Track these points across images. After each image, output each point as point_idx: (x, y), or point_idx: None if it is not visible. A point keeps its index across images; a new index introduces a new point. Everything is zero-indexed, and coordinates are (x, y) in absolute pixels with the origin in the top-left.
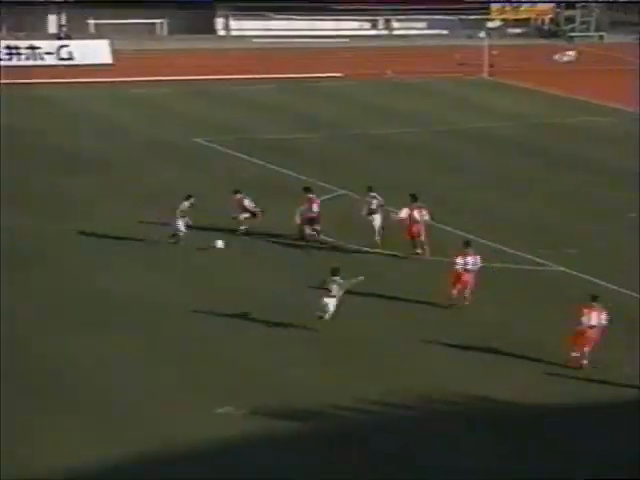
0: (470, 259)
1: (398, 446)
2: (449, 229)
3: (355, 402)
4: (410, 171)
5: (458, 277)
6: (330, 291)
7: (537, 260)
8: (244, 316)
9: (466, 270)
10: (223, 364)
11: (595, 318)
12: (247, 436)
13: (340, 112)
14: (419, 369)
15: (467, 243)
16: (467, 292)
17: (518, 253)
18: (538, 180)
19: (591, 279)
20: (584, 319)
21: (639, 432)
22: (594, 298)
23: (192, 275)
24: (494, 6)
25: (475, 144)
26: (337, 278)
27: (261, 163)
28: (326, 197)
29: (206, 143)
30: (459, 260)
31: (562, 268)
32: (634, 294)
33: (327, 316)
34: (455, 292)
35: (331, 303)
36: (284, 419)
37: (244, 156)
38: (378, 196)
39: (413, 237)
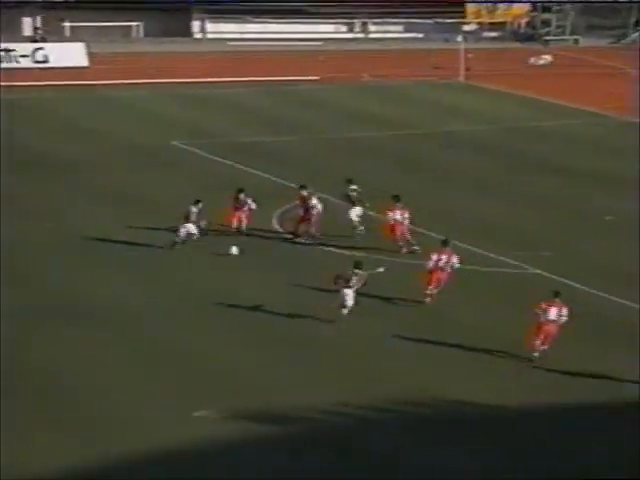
0: (444, 257)
1: (384, 448)
2: (424, 232)
3: (340, 404)
4: (386, 174)
5: (431, 276)
6: (349, 282)
7: (513, 263)
8: (230, 317)
9: (438, 268)
10: (209, 366)
11: (554, 313)
12: (233, 438)
13: (316, 115)
14: (404, 371)
15: (445, 242)
16: (434, 290)
17: (494, 256)
18: (514, 183)
19: (567, 282)
20: (540, 312)
21: (615, 433)
22: (556, 294)
23: (177, 277)
24: (470, 9)
25: (451, 147)
26: (359, 271)
27: (238, 166)
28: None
29: (183, 146)
30: (433, 257)
31: (538, 271)
32: (610, 296)
33: (345, 311)
34: (432, 288)
35: (349, 295)
36: (269, 421)
37: (221, 159)
38: (358, 188)
39: (395, 237)
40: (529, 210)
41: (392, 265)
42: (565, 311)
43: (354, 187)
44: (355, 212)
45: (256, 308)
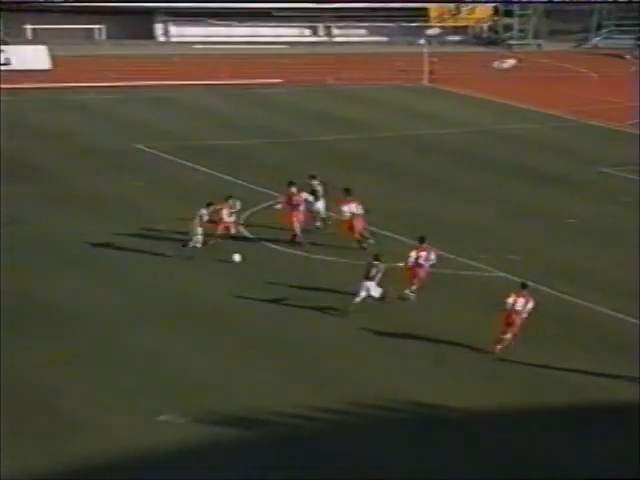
0: (423, 254)
1: (355, 450)
2: (390, 235)
3: (309, 407)
4: (351, 178)
5: (412, 272)
6: (370, 273)
7: (478, 266)
8: (198, 321)
9: (418, 264)
10: (177, 369)
11: (521, 304)
12: (203, 441)
13: (281, 119)
14: (374, 372)
15: (421, 239)
16: (414, 287)
17: (460, 259)
18: (478, 187)
19: (532, 285)
20: (509, 302)
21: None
22: (524, 286)
23: (135, 282)
24: (433, 13)
25: (416, 151)
26: (378, 263)
27: (203, 169)
28: (268, 204)
29: (148, 149)
30: (412, 254)
31: (502, 274)
32: (573, 299)
33: (357, 300)
34: (414, 286)
35: (372, 286)
36: (238, 424)
37: (186, 162)
38: (320, 183)
39: (354, 231)
40: (494, 213)
41: (355, 267)
42: (531, 304)
43: (317, 182)
44: (320, 205)
45: (225, 311)
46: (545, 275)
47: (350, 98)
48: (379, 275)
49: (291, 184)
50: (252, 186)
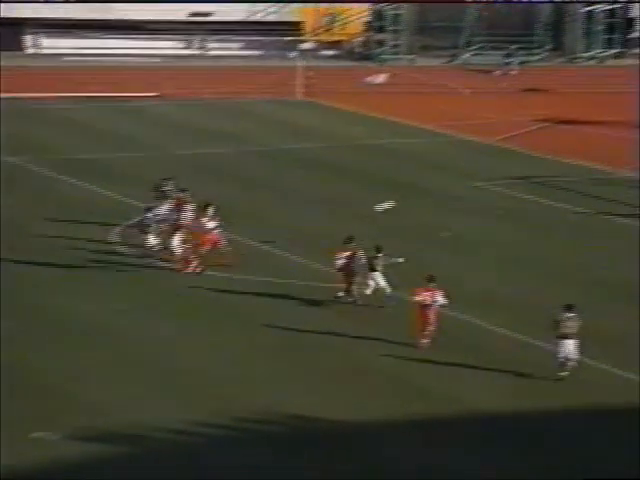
0: (346, 253)
1: (228, 464)
2: (268, 249)
3: (182, 421)
4: (227, 190)
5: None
6: (375, 266)
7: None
8: (63, 339)
9: (345, 265)
10: (43, 388)
11: (430, 298)
12: (75, 458)
13: (155, 132)
14: (246, 386)
15: (350, 238)
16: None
17: (333, 271)
18: (351, 201)
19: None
20: (418, 299)
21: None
22: (430, 279)
23: (11, 299)
24: (308, 27)
25: (289, 165)
26: (381, 255)
27: (76, 183)
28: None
29: (19, 163)
30: (339, 255)
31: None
32: (446, 311)
33: (387, 290)
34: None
35: (378, 277)
36: (105, 441)
37: (58, 176)
38: (173, 187)
39: (214, 246)
40: (367, 227)
41: (232, 280)
42: (438, 295)
43: (170, 187)
44: (165, 207)
45: (95, 327)
46: (420, 287)
47: (225, 111)
48: (382, 266)
49: (182, 190)
50: (125, 199)
